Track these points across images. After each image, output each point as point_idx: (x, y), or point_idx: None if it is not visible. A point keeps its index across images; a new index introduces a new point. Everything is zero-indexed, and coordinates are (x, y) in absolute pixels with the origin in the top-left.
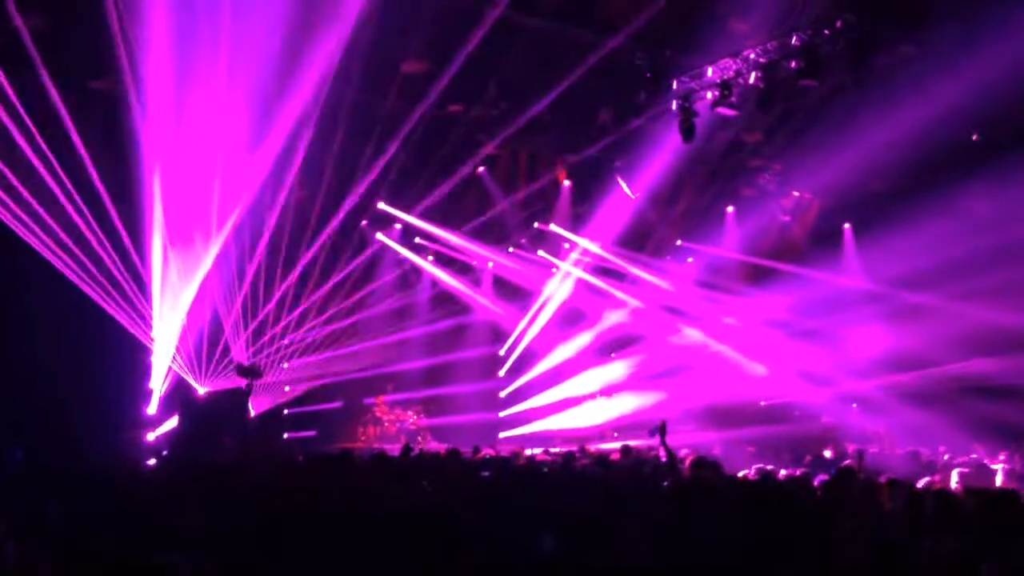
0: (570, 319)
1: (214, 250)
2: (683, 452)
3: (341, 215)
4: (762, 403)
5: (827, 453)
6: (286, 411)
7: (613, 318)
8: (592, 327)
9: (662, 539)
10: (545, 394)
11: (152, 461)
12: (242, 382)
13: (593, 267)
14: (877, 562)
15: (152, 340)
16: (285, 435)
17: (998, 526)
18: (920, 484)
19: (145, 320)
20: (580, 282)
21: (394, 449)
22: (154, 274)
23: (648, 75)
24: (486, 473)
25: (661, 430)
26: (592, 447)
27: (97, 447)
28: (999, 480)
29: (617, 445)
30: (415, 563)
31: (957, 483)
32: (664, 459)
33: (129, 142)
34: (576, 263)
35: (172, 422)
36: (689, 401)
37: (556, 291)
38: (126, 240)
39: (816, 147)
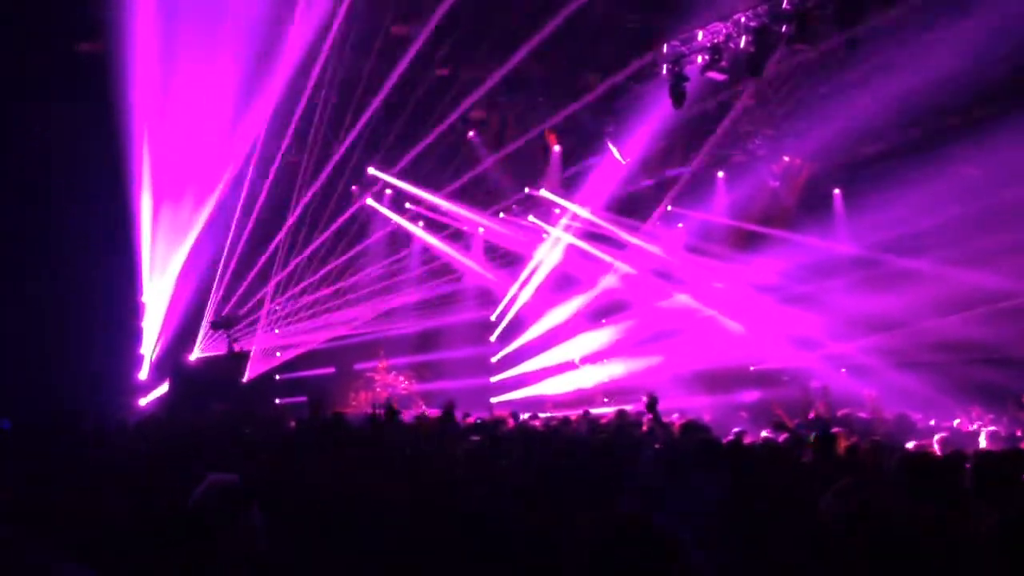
0: (561, 284)
1: (203, 215)
2: (673, 416)
3: (330, 179)
4: (752, 368)
5: (812, 416)
6: (277, 376)
7: (604, 283)
8: (583, 292)
9: (652, 497)
10: (536, 359)
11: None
12: (223, 346)
13: (583, 232)
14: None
15: (143, 305)
16: (276, 400)
17: (984, 486)
18: (908, 447)
19: (135, 285)
20: (571, 247)
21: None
22: (143, 239)
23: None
24: (475, 437)
25: (651, 404)
26: (583, 411)
27: (88, 413)
28: (982, 443)
29: (609, 410)
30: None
31: (937, 447)
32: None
33: (118, 104)
34: (566, 228)
35: (163, 388)
36: (679, 366)
37: (547, 256)
38: (115, 204)
39: (806, 112)
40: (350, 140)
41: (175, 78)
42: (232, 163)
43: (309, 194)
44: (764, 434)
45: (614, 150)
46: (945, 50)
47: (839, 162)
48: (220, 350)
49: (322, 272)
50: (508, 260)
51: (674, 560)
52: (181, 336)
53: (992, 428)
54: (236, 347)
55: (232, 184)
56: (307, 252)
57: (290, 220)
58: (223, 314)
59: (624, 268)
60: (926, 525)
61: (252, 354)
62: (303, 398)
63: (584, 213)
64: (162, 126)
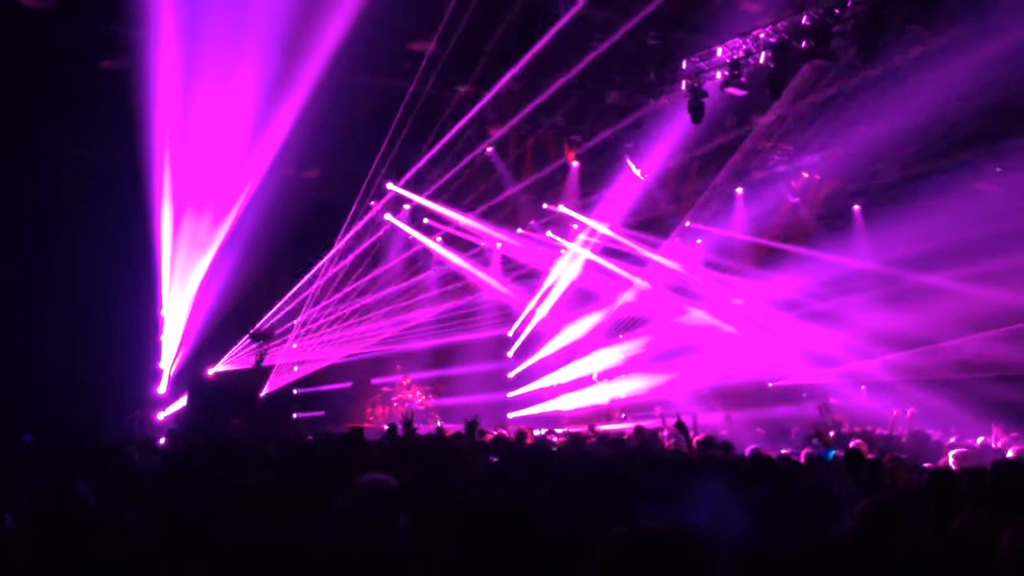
0: (579, 300)
1: (223, 230)
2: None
3: (350, 194)
4: (770, 384)
5: (831, 433)
6: (295, 391)
7: (623, 299)
8: (601, 308)
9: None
10: (553, 375)
11: (162, 440)
12: (251, 359)
13: (602, 248)
14: (883, 540)
15: (162, 319)
16: (294, 415)
17: (1002, 501)
18: (926, 466)
19: (155, 300)
20: (589, 263)
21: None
22: (164, 254)
23: (658, 54)
24: (494, 458)
25: (681, 427)
26: (600, 427)
27: (107, 427)
28: None
29: (627, 426)
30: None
31: (953, 464)
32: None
33: (139, 120)
34: (584, 244)
35: (182, 402)
36: (697, 382)
37: (565, 272)
38: (136, 220)
39: (825, 128)
40: (371, 157)
41: (196, 94)
42: (252, 178)
43: (329, 211)
44: (783, 452)
45: (633, 166)
46: (966, 66)
47: (858, 179)
48: (246, 364)
49: (341, 287)
50: (526, 276)
51: (699, 572)
52: (200, 350)
53: (1016, 447)
54: (264, 362)
55: (252, 199)
56: (328, 268)
57: (312, 238)
58: (262, 328)
59: (642, 284)
60: (954, 542)
61: (273, 369)
62: (321, 412)
63: (602, 229)
64: (183, 142)
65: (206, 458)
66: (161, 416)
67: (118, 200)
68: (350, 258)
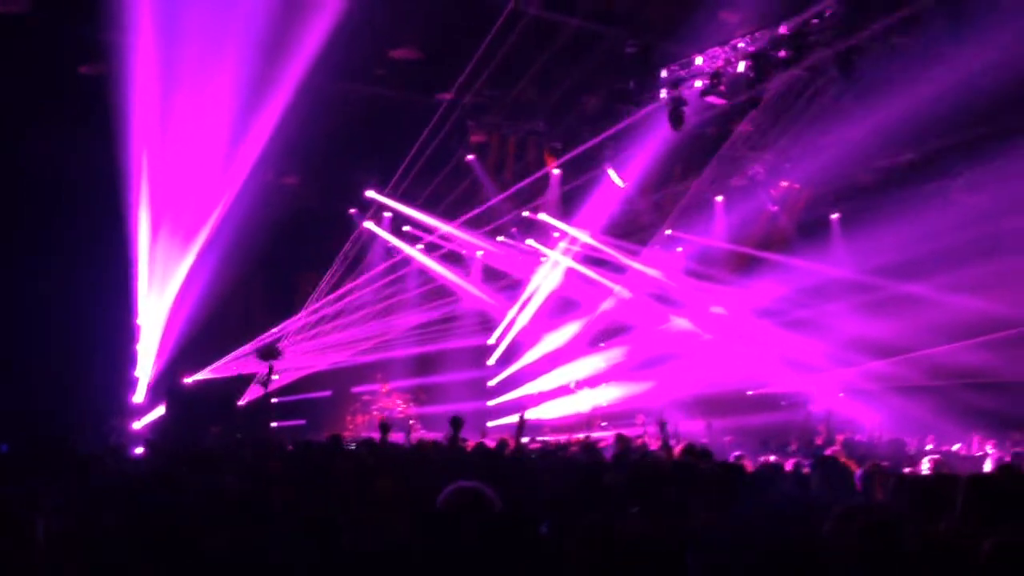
0: (559, 308)
1: (202, 237)
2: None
3: (330, 202)
4: (749, 392)
5: (816, 441)
6: (274, 400)
7: (603, 307)
8: (582, 316)
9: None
10: (534, 383)
11: (139, 450)
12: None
13: (582, 256)
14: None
15: (139, 328)
16: (273, 424)
17: (980, 508)
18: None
19: (132, 308)
20: (569, 271)
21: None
22: (140, 261)
23: (637, 62)
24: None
25: (662, 427)
26: (581, 436)
27: (84, 436)
28: (988, 468)
29: (607, 434)
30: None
31: (928, 470)
32: (653, 448)
33: (117, 126)
34: (565, 252)
35: (159, 411)
36: (677, 390)
37: (545, 280)
38: (113, 227)
39: (804, 137)
40: (351, 164)
41: (175, 100)
42: (231, 185)
43: (308, 217)
44: (772, 458)
45: (613, 174)
46: (942, 78)
47: (837, 187)
48: (217, 373)
49: (323, 296)
50: (507, 284)
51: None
52: (178, 359)
53: (995, 452)
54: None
55: (231, 206)
56: (310, 280)
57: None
58: (270, 344)
59: (623, 292)
60: (929, 547)
61: (253, 378)
62: (301, 421)
63: (583, 236)
64: (161, 148)
65: (183, 465)
66: (138, 425)
67: (95, 206)
68: (335, 269)
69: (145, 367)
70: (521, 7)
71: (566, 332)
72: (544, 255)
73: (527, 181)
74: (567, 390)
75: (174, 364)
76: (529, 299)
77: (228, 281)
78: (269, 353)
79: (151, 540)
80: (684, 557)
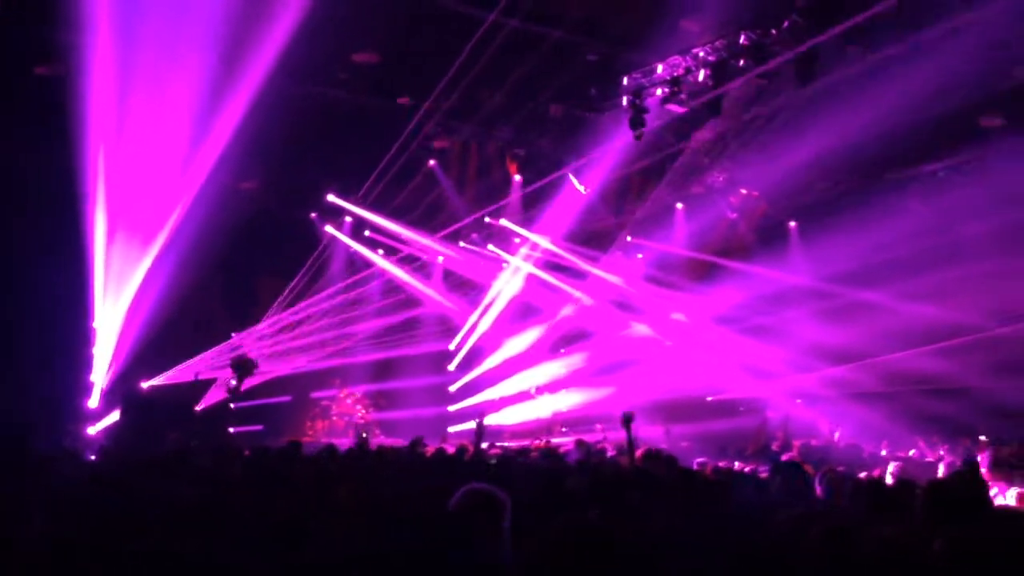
0: (520, 314)
1: (159, 241)
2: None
3: (290, 206)
4: (708, 398)
5: (773, 447)
6: (232, 405)
7: (564, 313)
8: (543, 322)
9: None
10: (494, 389)
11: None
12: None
13: (544, 262)
14: (822, 549)
15: (94, 331)
16: (231, 429)
17: (936, 512)
18: (861, 476)
19: (88, 311)
20: (531, 277)
21: (343, 443)
22: (97, 264)
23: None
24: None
25: (627, 422)
26: (541, 442)
27: (37, 441)
28: (940, 473)
29: (567, 440)
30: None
31: (892, 475)
32: (612, 453)
33: (74, 128)
34: (526, 258)
35: (114, 416)
36: (637, 396)
37: (507, 286)
38: (69, 229)
39: (762, 146)
40: (311, 168)
41: (133, 102)
42: (189, 189)
43: (267, 221)
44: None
45: (575, 181)
46: (896, 91)
47: (794, 195)
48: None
49: (284, 301)
50: (468, 289)
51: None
52: (134, 363)
53: (947, 459)
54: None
55: (188, 210)
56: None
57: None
58: (243, 357)
59: (584, 299)
60: (885, 549)
61: (213, 383)
62: (259, 427)
63: (544, 243)
64: (118, 150)
65: (136, 472)
66: (92, 430)
67: (51, 208)
68: (296, 274)
69: (101, 371)
70: (484, 15)
71: (527, 337)
72: (505, 260)
73: (489, 187)
74: (527, 396)
75: (131, 368)
76: (490, 305)
77: (186, 285)
78: (244, 366)
79: (102, 547)
80: (653, 560)
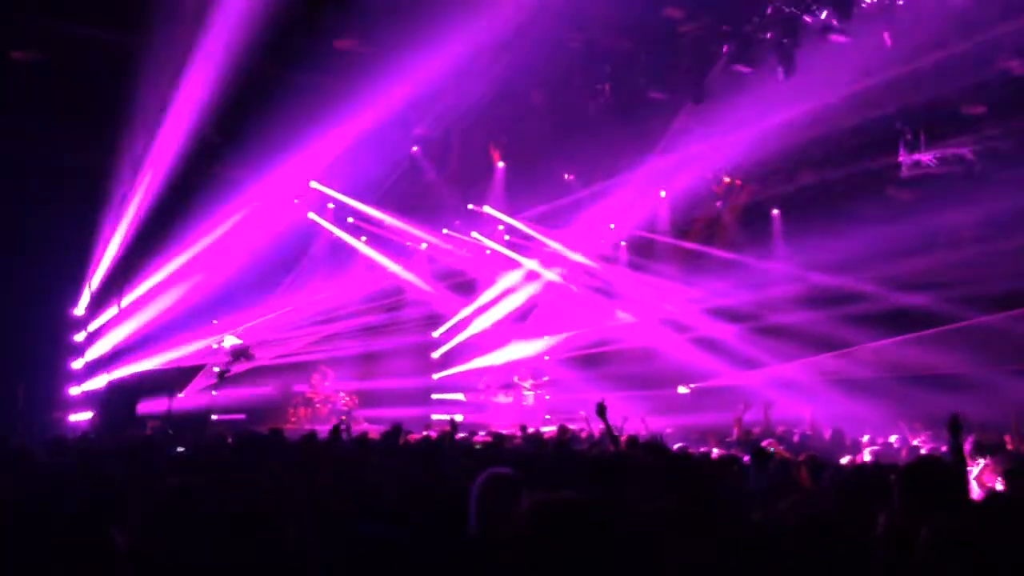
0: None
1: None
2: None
3: (274, 193)
4: (691, 385)
5: (754, 432)
6: (214, 392)
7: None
8: (531, 316)
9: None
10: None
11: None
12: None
13: (527, 248)
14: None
15: (78, 319)
16: (214, 417)
17: (915, 497)
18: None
19: (71, 299)
20: (513, 263)
21: (325, 430)
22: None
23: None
24: None
25: (601, 411)
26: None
27: (18, 429)
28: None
29: (551, 429)
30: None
31: (869, 458)
32: (598, 436)
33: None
34: (508, 244)
35: (96, 404)
36: (615, 382)
37: (498, 283)
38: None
39: (746, 133)
40: (295, 155)
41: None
42: (170, 173)
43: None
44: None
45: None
46: (880, 74)
47: (778, 182)
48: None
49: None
50: (451, 277)
51: (609, 545)
52: (117, 351)
53: (925, 447)
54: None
55: (167, 196)
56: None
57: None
58: (242, 346)
59: (571, 287)
60: (864, 535)
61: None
62: (241, 416)
63: (526, 229)
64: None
65: (114, 460)
66: (74, 418)
67: (38, 195)
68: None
69: (84, 358)
70: None
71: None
72: (488, 248)
73: (472, 174)
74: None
75: (114, 355)
76: (486, 304)
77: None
78: (240, 354)
79: (77, 535)
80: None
